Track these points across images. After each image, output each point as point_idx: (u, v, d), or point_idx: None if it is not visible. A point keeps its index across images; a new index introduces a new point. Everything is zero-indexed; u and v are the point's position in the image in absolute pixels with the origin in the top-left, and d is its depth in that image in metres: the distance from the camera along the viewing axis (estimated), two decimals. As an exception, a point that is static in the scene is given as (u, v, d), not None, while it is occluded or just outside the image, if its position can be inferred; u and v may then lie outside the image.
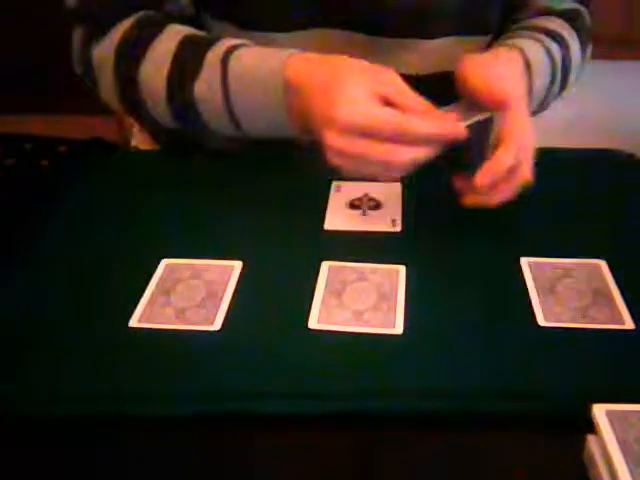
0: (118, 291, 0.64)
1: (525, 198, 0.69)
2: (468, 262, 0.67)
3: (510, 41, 0.82)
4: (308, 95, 0.66)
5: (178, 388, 0.54)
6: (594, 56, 0.95)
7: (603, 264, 0.66)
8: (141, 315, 0.60)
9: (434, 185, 0.72)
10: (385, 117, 0.62)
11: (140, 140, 1.02)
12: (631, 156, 0.87)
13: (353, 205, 0.75)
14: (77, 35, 0.81)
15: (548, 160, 0.74)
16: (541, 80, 0.81)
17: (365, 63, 0.67)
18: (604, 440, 0.46)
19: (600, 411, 0.48)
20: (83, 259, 0.68)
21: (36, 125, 2.50)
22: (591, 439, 0.48)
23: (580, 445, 0.49)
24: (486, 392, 0.54)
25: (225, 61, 0.71)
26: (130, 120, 1.06)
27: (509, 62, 0.75)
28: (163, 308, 0.61)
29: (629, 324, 0.59)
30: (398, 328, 0.59)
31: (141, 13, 0.79)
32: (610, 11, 2.76)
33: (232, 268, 0.66)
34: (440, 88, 0.91)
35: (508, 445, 0.51)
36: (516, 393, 0.54)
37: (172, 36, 0.75)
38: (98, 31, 0.78)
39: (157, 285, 0.64)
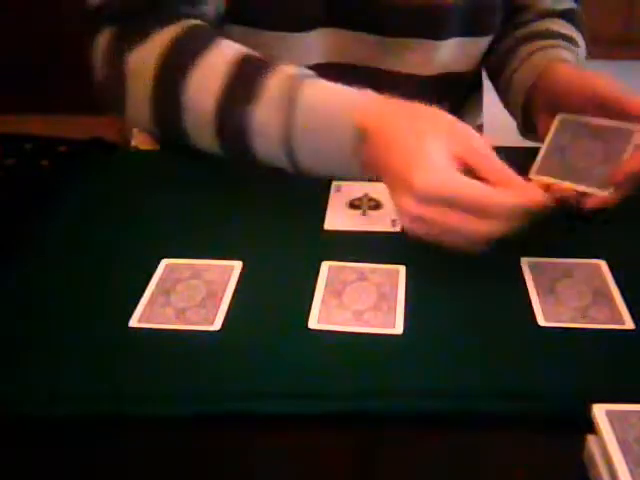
0: (118, 291, 0.64)
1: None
2: (468, 262, 0.67)
3: (556, 52, 0.82)
4: (385, 148, 0.62)
5: (178, 388, 0.54)
6: (594, 56, 0.95)
7: (603, 264, 0.66)
8: (141, 315, 0.60)
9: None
10: (466, 189, 0.58)
11: (140, 140, 1.02)
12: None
13: (353, 205, 0.75)
14: (104, 37, 0.75)
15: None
16: None
17: (443, 117, 0.63)
18: (604, 440, 0.46)
19: (600, 411, 0.48)
20: (83, 259, 0.68)
21: (36, 125, 2.50)
22: (591, 439, 0.48)
23: (580, 445, 0.49)
24: (486, 392, 0.54)
25: (293, 90, 0.67)
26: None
27: None
28: (163, 308, 0.61)
29: (629, 324, 0.59)
30: (398, 328, 0.59)
31: (190, 22, 0.74)
32: (610, 11, 2.76)
33: (232, 268, 0.66)
34: (443, 89, 0.91)
35: (508, 445, 0.51)
36: (516, 393, 0.54)
37: (226, 51, 0.71)
38: (135, 35, 0.73)
39: (157, 285, 0.64)
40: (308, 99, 0.66)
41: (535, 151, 0.73)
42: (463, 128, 0.62)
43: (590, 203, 0.68)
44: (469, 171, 0.59)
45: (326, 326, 0.59)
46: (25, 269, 0.68)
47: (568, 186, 0.70)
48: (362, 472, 0.50)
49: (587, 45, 0.93)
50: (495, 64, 0.94)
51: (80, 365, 0.56)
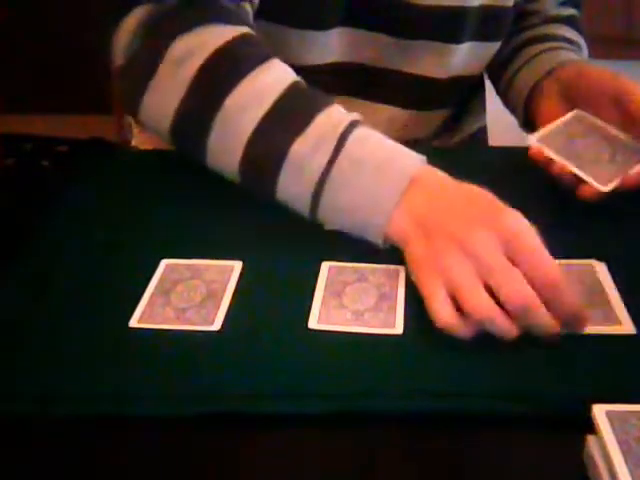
0: (118, 291, 0.64)
1: (524, 198, 0.69)
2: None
3: (566, 54, 0.84)
4: (448, 200, 0.60)
5: (178, 388, 0.54)
6: (594, 56, 0.96)
7: (596, 264, 0.66)
8: (141, 315, 0.60)
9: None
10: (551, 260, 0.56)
11: (140, 140, 1.02)
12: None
13: (353, 205, 0.75)
14: (135, 16, 0.69)
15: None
16: None
17: (495, 204, 0.59)
18: (604, 440, 0.46)
19: (600, 411, 0.48)
20: (83, 259, 0.68)
21: (36, 125, 2.50)
22: (591, 439, 0.48)
23: (580, 445, 0.49)
24: (486, 392, 0.54)
25: (345, 134, 0.62)
26: (130, 120, 1.06)
27: None
28: (163, 308, 0.61)
29: (627, 324, 0.59)
30: (398, 328, 0.59)
31: (243, 30, 0.69)
32: (610, 11, 2.76)
33: (232, 268, 0.66)
34: (451, 92, 0.92)
35: (508, 445, 0.51)
36: (516, 393, 0.53)
37: (279, 73, 0.67)
38: (177, 20, 0.68)
39: (157, 285, 0.64)
40: (360, 148, 0.62)
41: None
42: (511, 212, 0.58)
43: (586, 192, 0.68)
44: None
45: (326, 326, 0.59)
46: (25, 269, 0.68)
47: (569, 168, 0.70)
48: (362, 472, 0.50)
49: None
50: (497, 65, 0.94)
51: (80, 365, 0.56)
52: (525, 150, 0.77)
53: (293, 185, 0.64)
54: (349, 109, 0.66)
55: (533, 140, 0.72)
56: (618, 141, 0.72)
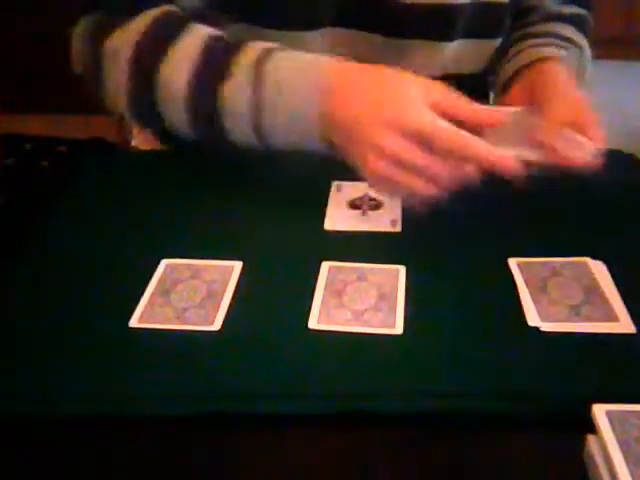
0: (118, 291, 0.64)
1: (524, 198, 0.69)
2: (468, 262, 0.67)
3: (545, 50, 0.83)
4: (355, 96, 0.64)
5: (178, 388, 0.54)
6: (594, 56, 0.96)
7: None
8: (141, 315, 0.60)
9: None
10: (443, 130, 0.60)
11: (140, 140, 1.02)
12: (631, 156, 0.87)
13: (353, 205, 0.75)
14: (83, 24, 0.78)
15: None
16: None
17: (412, 75, 0.65)
18: (604, 440, 0.46)
19: (600, 411, 0.48)
20: (83, 259, 0.68)
21: (36, 125, 2.50)
22: (591, 439, 0.48)
23: (580, 445, 0.49)
24: (486, 392, 0.54)
25: (260, 64, 0.68)
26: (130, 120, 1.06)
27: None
28: (163, 308, 0.61)
29: (625, 321, 0.59)
30: (398, 328, 0.59)
31: (164, 8, 0.75)
32: (610, 11, 2.76)
33: (232, 268, 0.66)
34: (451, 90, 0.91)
35: (508, 445, 0.51)
36: (516, 393, 0.54)
37: (198, 35, 0.72)
38: (112, 21, 0.75)
39: (157, 285, 0.64)
40: (275, 71, 0.67)
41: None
42: (423, 78, 0.64)
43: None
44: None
45: (326, 326, 0.59)
46: (25, 269, 0.68)
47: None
48: (362, 472, 0.50)
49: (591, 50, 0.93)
50: (496, 61, 0.94)
51: (80, 365, 0.56)
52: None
53: (236, 126, 0.70)
54: None
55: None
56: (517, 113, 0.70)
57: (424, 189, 0.62)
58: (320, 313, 0.60)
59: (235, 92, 0.68)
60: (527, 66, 0.83)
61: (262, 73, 0.67)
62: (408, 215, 0.73)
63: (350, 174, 0.79)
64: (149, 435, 0.52)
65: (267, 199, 0.76)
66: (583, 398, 0.49)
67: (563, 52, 0.84)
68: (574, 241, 0.69)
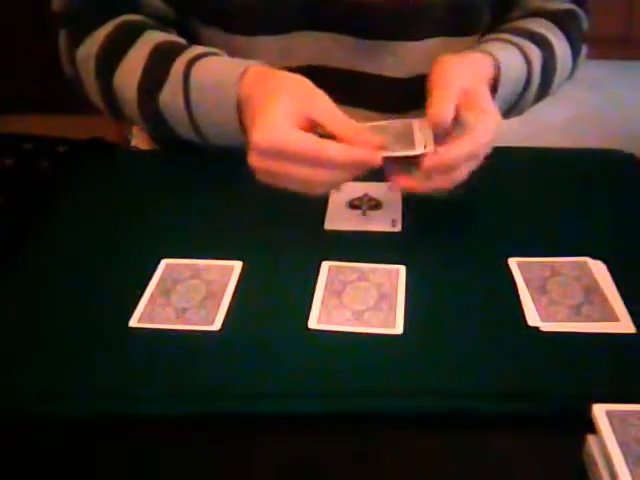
0: (118, 291, 0.64)
1: (525, 199, 0.70)
2: (468, 262, 0.67)
3: (485, 46, 0.81)
4: (247, 113, 0.69)
5: (178, 388, 0.54)
6: (594, 56, 0.95)
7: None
8: (141, 315, 0.60)
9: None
10: (300, 143, 0.62)
11: (140, 140, 1.02)
12: (631, 156, 0.87)
13: (353, 205, 0.75)
14: (62, 38, 0.84)
15: (548, 160, 0.74)
16: (512, 86, 0.81)
17: (303, 84, 0.67)
18: (604, 440, 0.46)
19: (600, 411, 0.48)
20: (83, 259, 0.68)
21: (36, 125, 2.50)
22: (591, 439, 0.48)
23: (580, 445, 0.49)
24: (486, 392, 0.54)
25: (187, 71, 0.72)
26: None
27: (475, 63, 0.76)
28: (163, 308, 0.61)
29: (624, 321, 0.59)
30: (398, 328, 0.59)
31: (123, 17, 0.80)
32: (610, 11, 2.76)
33: (232, 268, 0.66)
34: (421, 93, 0.90)
35: (508, 445, 0.51)
36: (516, 393, 0.54)
37: (145, 45, 0.77)
38: (80, 34, 0.80)
39: (157, 285, 0.64)
40: (199, 78, 0.72)
41: (534, 150, 0.72)
42: (311, 89, 0.67)
43: (393, 185, 0.68)
44: (316, 128, 0.64)
45: (326, 326, 0.59)
46: (25, 269, 0.68)
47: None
48: (362, 472, 0.50)
49: (579, 47, 0.91)
50: None
51: (80, 365, 0.56)
52: (524, 149, 0.76)
53: (184, 132, 0.76)
54: None
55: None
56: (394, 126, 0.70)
57: (303, 191, 0.65)
58: (320, 313, 0.60)
59: (170, 98, 0.74)
60: None
61: (189, 78, 0.72)
62: (408, 215, 0.73)
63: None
64: (149, 435, 0.52)
65: (267, 199, 0.76)
66: (583, 398, 0.49)
67: (500, 47, 0.81)
68: (574, 241, 0.69)
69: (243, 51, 0.83)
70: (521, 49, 0.81)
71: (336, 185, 0.69)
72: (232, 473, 0.50)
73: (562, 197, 0.77)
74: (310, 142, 0.63)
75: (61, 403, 0.53)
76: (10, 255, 0.67)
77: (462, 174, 0.67)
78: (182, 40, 0.79)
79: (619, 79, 2.81)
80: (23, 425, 0.52)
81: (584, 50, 0.93)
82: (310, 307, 0.61)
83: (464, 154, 0.65)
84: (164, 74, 0.74)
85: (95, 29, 0.80)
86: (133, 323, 0.60)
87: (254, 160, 0.64)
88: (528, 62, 0.82)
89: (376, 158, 0.63)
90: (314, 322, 0.59)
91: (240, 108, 0.70)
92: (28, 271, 0.67)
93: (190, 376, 0.55)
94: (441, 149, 0.65)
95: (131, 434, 0.52)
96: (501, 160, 0.68)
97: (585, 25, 0.93)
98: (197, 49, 0.75)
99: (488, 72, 0.76)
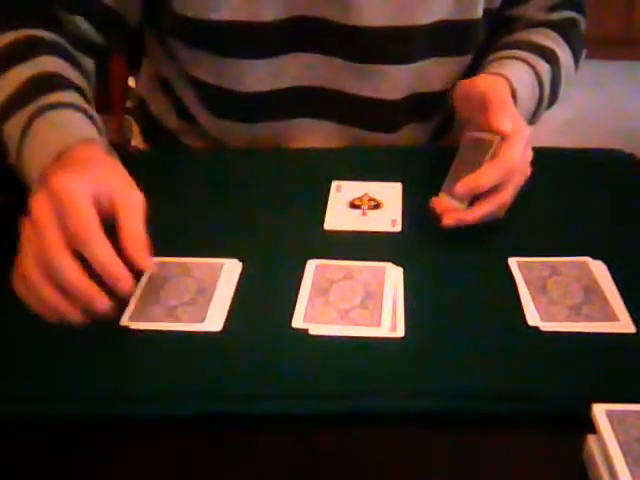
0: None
1: (525, 198, 0.70)
2: (468, 262, 0.67)
3: (497, 67, 0.80)
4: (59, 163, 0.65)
5: (178, 388, 0.54)
6: (595, 57, 0.95)
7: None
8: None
9: (434, 185, 0.72)
10: (84, 208, 0.58)
11: (140, 140, 1.02)
12: (631, 156, 0.87)
13: (353, 205, 0.75)
14: None
15: (548, 160, 0.74)
16: (527, 105, 0.81)
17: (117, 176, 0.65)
18: (604, 440, 0.46)
19: (600, 411, 0.48)
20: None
21: (36, 125, 2.50)
22: (591, 439, 0.48)
23: (580, 445, 0.49)
24: (486, 392, 0.54)
25: (30, 121, 0.68)
26: (130, 120, 1.06)
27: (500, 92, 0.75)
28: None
29: (624, 321, 0.59)
30: (399, 329, 0.59)
31: (27, 32, 0.75)
32: (610, 11, 2.76)
33: (231, 268, 0.65)
34: (416, 109, 0.90)
35: (508, 445, 0.51)
36: (516, 393, 0.53)
37: (27, 68, 0.72)
38: None
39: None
40: (33, 136, 0.68)
41: (534, 150, 0.72)
42: (136, 196, 0.62)
43: (445, 220, 0.67)
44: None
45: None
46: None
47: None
48: (362, 472, 0.50)
49: (580, 54, 0.91)
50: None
51: (80, 365, 0.56)
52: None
53: (13, 157, 0.72)
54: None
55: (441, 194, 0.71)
56: (474, 142, 0.72)
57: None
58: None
59: (12, 132, 0.70)
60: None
61: (29, 129, 0.68)
62: (408, 215, 0.73)
63: (350, 174, 0.80)
64: (149, 435, 0.52)
65: (267, 199, 0.76)
66: (583, 398, 0.49)
67: (514, 65, 0.82)
68: (574, 241, 0.69)
69: (232, 73, 0.83)
70: (533, 68, 0.82)
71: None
72: (232, 473, 0.50)
73: (562, 197, 0.77)
74: (91, 217, 0.58)
75: (61, 403, 0.53)
76: (10, 254, 0.67)
77: (508, 194, 0.68)
78: (66, 74, 0.73)
79: (620, 79, 2.81)
80: (23, 425, 0.52)
81: (583, 54, 0.93)
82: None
83: (493, 179, 0.66)
84: (18, 107, 0.70)
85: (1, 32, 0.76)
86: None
87: (39, 199, 0.62)
88: (540, 80, 0.83)
89: (128, 282, 0.56)
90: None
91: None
92: (28, 271, 0.67)
93: (190, 376, 0.55)
94: (472, 175, 0.66)
95: (130, 434, 0.52)
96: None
97: (584, 27, 0.94)
98: (51, 97, 0.70)
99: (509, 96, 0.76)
